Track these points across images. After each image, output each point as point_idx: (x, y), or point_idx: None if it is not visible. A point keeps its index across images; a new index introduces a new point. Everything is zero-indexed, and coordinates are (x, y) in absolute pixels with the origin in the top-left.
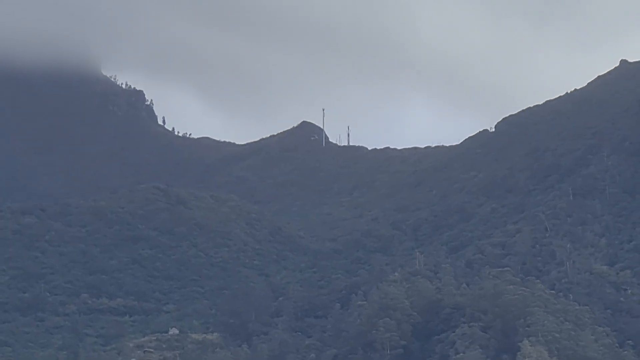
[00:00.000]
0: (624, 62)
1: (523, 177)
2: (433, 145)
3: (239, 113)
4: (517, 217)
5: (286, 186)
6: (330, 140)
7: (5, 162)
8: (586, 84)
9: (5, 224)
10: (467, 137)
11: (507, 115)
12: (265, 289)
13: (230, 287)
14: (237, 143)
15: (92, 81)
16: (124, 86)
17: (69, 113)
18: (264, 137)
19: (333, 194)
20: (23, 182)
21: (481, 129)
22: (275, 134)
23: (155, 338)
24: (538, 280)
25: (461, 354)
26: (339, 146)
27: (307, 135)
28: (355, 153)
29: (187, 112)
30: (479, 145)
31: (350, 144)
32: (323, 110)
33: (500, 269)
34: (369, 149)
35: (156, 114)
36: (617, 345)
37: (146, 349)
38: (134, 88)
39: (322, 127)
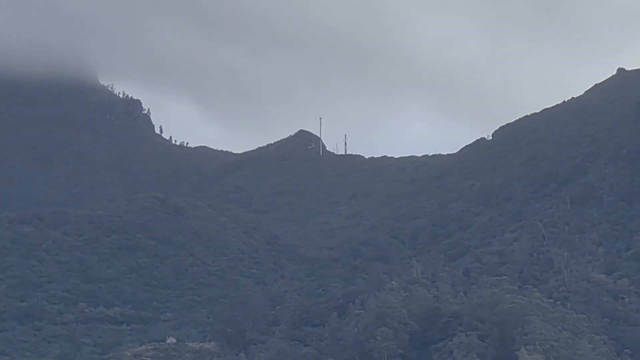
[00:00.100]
0: (621, 71)
1: (520, 186)
2: (430, 154)
3: (236, 122)
4: (514, 226)
5: (283, 195)
6: (327, 149)
7: (3, 171)
8: (583, 92)
9: (3, 232)
10: (464, 145)
11: (504, 123)
12: (263, 298)
13: (228, 296)
14: (234, 152)
15: (90, 90)
16: (121, 95)
17: (66, 122)
18: (261, 145)
19: (330, 202)
20: (21, 191)
21: (478, 138)
22: (272, 142)
23: (152, 347)
24: (536, 289)
25: None
26: (336, 155)
27: (304, 144)
28: (353, 162)
29: (185, 121)
30: (476, 153)
31: (348, 152)
32: (320, 119)
33: (497, 278)
34: (366, 157)
35: (153, 123)
36: (614, 353)
37: (144, 358)
38: (131, 97)
39: (319, 135)
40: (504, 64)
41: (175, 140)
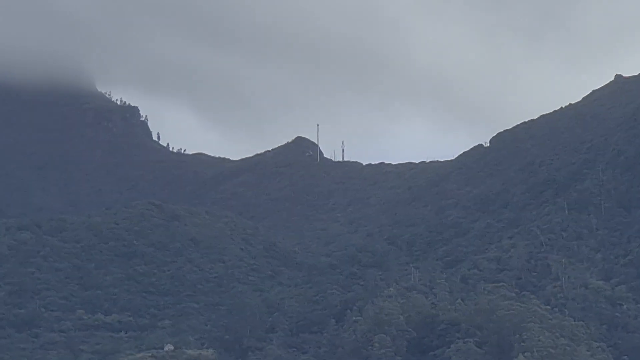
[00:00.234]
0: (618, 77)
1: (518, 192)
2: (428, 161)
3: (233, 129)
4: (512, 232)
5: (281, 202)
6: (324, 155)
7: (1, 178)
8: (581, 98)
9: (0, 239)
10: (461, 152)
11: (501, 130)
12: (260, 305)
13: (225, 303)
14: (231, 159)
15: (87, 97)
16: (118, 102)
17: (64, 129)
18: (258, 152)
19: (328, 209)
20: (18, 198)
21: (476, 144)
22: (269, 149)
23: (150, 354)
24: (533, 296)
25: None
26: (334, 161)
27: (301, 150)
28: (350, 168)
29: (182, 128)
30: (473, 160)
31: (345, 159)
32: (317, 125)
33: (495, 284)
34: (364, 164)
35: (151, 130)
36: None
37: None
38: (129, 104)
39: (316, 142)
40: (501, 70)
41: (173, 147)
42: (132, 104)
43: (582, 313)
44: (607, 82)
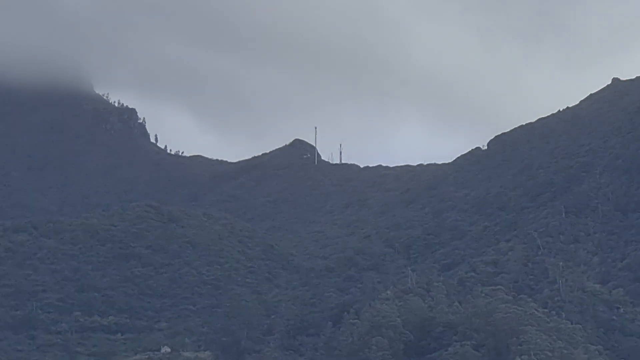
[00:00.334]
0: (616, 80)
1: (515, 195)
2: (425, 163)
3: (231, 131)
4: (509, 235)
5: (278, 204)
6: (322, 158)
7: None
8: (579, 102)
9: None
10: (459, 155)
11: (499, 133)
12: (258, 307)
13: (223, 305)
14: (229, 161)
15: (85, 99)
16: (116, 104)
17: (61, 130)
18: (256, 155)
19: (325, 211)
20: (15, 199)
21: (473, 147)
22: (267, 152)
23: (147, 357)
24: (530, 299)
25: None
26: (332, 164)
27: (299, 153)
28: (348, 171)
29: (180, 130)
30: (471, 163)
31: (343, 162)
32: (315, 128)
33: (492, 287)
34: (362, 167)
35: (149, 132)
36: None
37: None
38: (127, 106)
39: (314, 145)
40: (499, 73)
41: (171, 149)
42: (130, 106)
43: (579, 316)
44: (605, 85)
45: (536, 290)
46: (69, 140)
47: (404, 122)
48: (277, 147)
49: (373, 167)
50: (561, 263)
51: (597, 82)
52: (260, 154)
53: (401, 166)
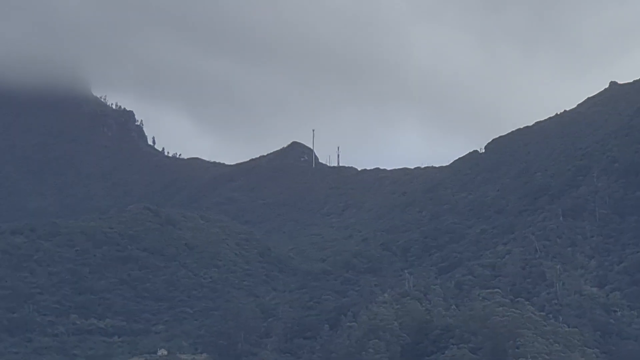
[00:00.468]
0: (613, 84)
1: (513, 198)
2: (423, 166)
3: (229, 133)
4: (507, 238)
5: (276, 207)
6: (320, 160)
7: None
8: (576, 105)
9: None
10: (457, 158)
11: (497, 136)
12: (255, 310)
13: (220, 308)
14: (227, 163)
15: (83, 101)
16: (114, 106)
17: (59, 133)
18: (254, 157)
19: (323, 214)
20: (13, 202)
21: (471, 150)
22: (265, 154)
23: (144, 359)
24: (528, 302)
25: None
26: (329, 167)
27: (297, 155)
28: (345, 174)
29: (178, 133)
30: (469, 166)
31: (340, 164)
32: (313, 131)
33: (490, 291)
34: (359, 169)
35: (146, 134)
36: None
37: None
38: (124, 108)
39: (312, 147)
40: (496, 77)
41: (168, 152)
42: (128, 108)
43: (576, 319)
44: (602, 89)
45: (533, 293)
46: (66, 142)
47: (402, 125)
48: (274, 150)
49: (371, 170)
50: (558, 266)
51: (595, 86)
52: (258, 156)
53: (399, 169)
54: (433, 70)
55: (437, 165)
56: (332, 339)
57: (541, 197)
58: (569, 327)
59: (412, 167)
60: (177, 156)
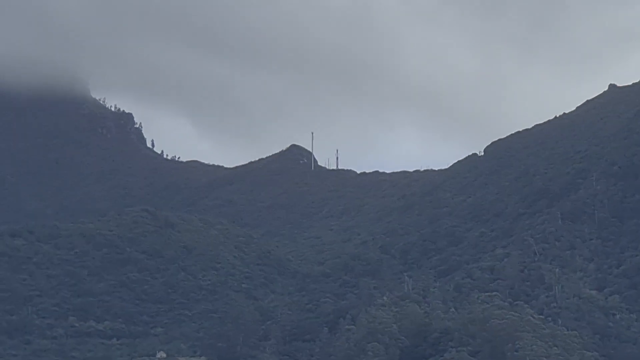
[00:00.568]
0: (612, 87)
1: (512, 202)
2: (422, 169)
3: (228, 136)
4: (506, 242)
5: (275, 209)
6: (319, 163)
7: None
8: (575, 108)
9: None
10: (456, 161)
11: (496, 139)
12: (254, 313)
13: (218, 311)
14: (225, 166)
15: (81, 103)
16: (113, 108)
17: (58, 135)
18: (252, 160)
19: (322, 217)
20: (11, 204)
21: (470, 153)
22: (264, 157)
23: None
24: (527, 305)
25: None
26: (328, 170)
27: (295, 158)
28: (344, 177)
29: (176, 135)
30: (467, 169)
31: (339, 167)
32: (312, 133)
33: (488, 294)
34: (358, 172)
35: (145, 136)
36: None
37: None
38: (123, 111)
39: (311, 150)
40: (495, 79)
41: (167, 155)
42: (127, 111)
43: (575, 323)
44: (601, 91)
45: (532, 296)
46: (65, 144)
47: (401, 128)
48: (273, 153)
49: (370, 172)
50: (557, 269)
51: (594, 89)
52: (256, 159)
53: (398, 172)
54: (432, 73)
55: (436, 168)
56: (331, 342)
57: (540, 200)
58: (567, 330)
59: (411, 170)
60: (176, 159)
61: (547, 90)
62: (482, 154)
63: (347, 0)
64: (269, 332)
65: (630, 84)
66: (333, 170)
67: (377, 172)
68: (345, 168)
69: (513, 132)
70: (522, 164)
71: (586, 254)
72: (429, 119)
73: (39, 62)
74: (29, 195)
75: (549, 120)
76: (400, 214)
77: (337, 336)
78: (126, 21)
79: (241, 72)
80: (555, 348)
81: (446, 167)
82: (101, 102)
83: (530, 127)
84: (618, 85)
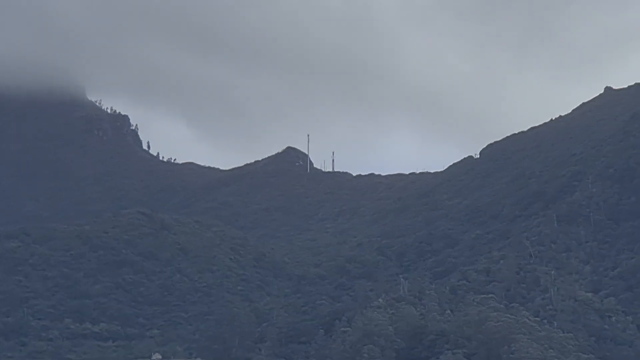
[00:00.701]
0: (608, 89)
1: (508, 204)
2: (418, 172)
3: (224, 138)
4: (501, 244)
5: (270, 211)
6: (315, 165)
7: None
8: (571, 110)
9: None
10: (451, 163)
11: (491, 142)
12: (249, 315)
13: (214, 313)
14: (221, 168)
15: (78, 105)
16: (109, 111)
17: (53, 137)
18: (248, 162)
19: (317, 219)
20: (7, 206)
21: (466, 156)
22: (260, 159)
23: None
24: (522, 307)
25: None
26: (324, 172)
27: (291, 160)
28: (340, 179)
29: (172, 137)
30: (463, 171)
31: (335, 169)
32: (308, 136)
33: (484, 296)
34: (354, 175)
35: (141, 138)
36: None
37: None
38: (119, 113)
39: (307, 153)
40: (491, 83)
41: (163, 157)
42: (123, 113)
43: (571, 325)
44: (597, 94)
45: (528, 298)
46: (61, 146)
47: (397, 131)
48: (269, 155)
49: (365, 175)
50: (553, 272)
51: (590, 91)
52: (252, 161)
53: (394, 174)
54: (428, 76)
55: (431, 171)
56: (326, 344)
57: (536, 203)
58: (563, 333)
59: (407, 173)
60: (172, 161)
61: (543, 93)
62: (478, 156)
63: (345, 3)
64: (264, 334)
65: (626, 86)
66: (329, 172)
67: (372, 174)
68: (341, 170)
69: (509, 135)
70: (518, 167)
71: (582, 257)
72: (424, 122)
73: (35, 64)
74: (25, 197)
75: (544, 123)
76: (396, 216)
77: (332, 338)
78: (122, 23)
79: (237, 75)
80: (551, 350)
81: (442, 169)
82: (97, 104)
83: (526, 129)
84: (614, 88)
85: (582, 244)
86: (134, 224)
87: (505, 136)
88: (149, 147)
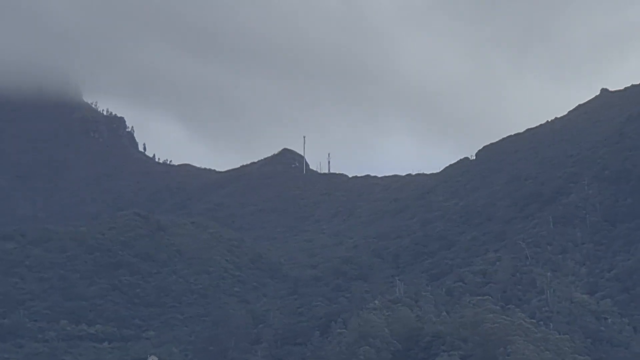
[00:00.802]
0: (604, 91)
1: (504, 205)
2: (414, 173)
3: (219, 140)
4: (497, 245)
5: (267, 213)
6: (310, 167)
7: None
8: (567, 112)
9: None
10: (447, 165)
11: (487, 143)
12: (245, 316)
13: (210, 314)
14: (217, 170)
15: (74, 107)
16: (105, 112)
17: (49, 139)
18: (244, 164)
19: (313, 221)
20: (3, 207)
21: (462, 157)
22: (255, 161)
23: None
24: (518, 309)
25: None
26: (320, 173)
27: (287, 162)
28: (336, 180)
29: (168, 139)
30: (459, 173)
31: (331, 171)
32: (304, 137)
33: (480, 297)
34: (350, 176)
35: (137, 140)
36: None
37: None
38: (115, 114)
39: (302, 154)
40: (487, 84)
41: (159, 158)
42: (119, 114)
43: (567, 327)
44: (593, 96)
45: (524, 300)
46: (57, 148)
47: (393, 132)
48: (265, 156)
49: (361, 176)
50: (549, 273)
51: (586, 93)
52: (248, 162)
53: (389, 176)
54: (424, 77)
55: (427, 172)
56: (322, 346)
57: (532, 204)
58: (559, 334)
59: (403, 174)
60: (168, 162)
61: (538, 95)
62: (474, 158)
63: (341, 4)
64: (260, 336)
65: (622, 88)
66: (325, 174)
67: (368, 175)
68: (337, 172)
69: (505, 137)
70: (514, 168)
71: (578, 258)
72: (420, 123)
73: (31, 65)
74: (21, 199)
75: (540, 125)
76: (392, 218)
77: (328, 340)
78: (118, 25)
79: (233, 76)
80: (547, 352)
81: (438, 171)
82: (93, 106)
83: (522, 131)
84: (610, 89)
85: (579, 246)
86: (130, 226)
87: (501, 138)
88: (145, 148)
